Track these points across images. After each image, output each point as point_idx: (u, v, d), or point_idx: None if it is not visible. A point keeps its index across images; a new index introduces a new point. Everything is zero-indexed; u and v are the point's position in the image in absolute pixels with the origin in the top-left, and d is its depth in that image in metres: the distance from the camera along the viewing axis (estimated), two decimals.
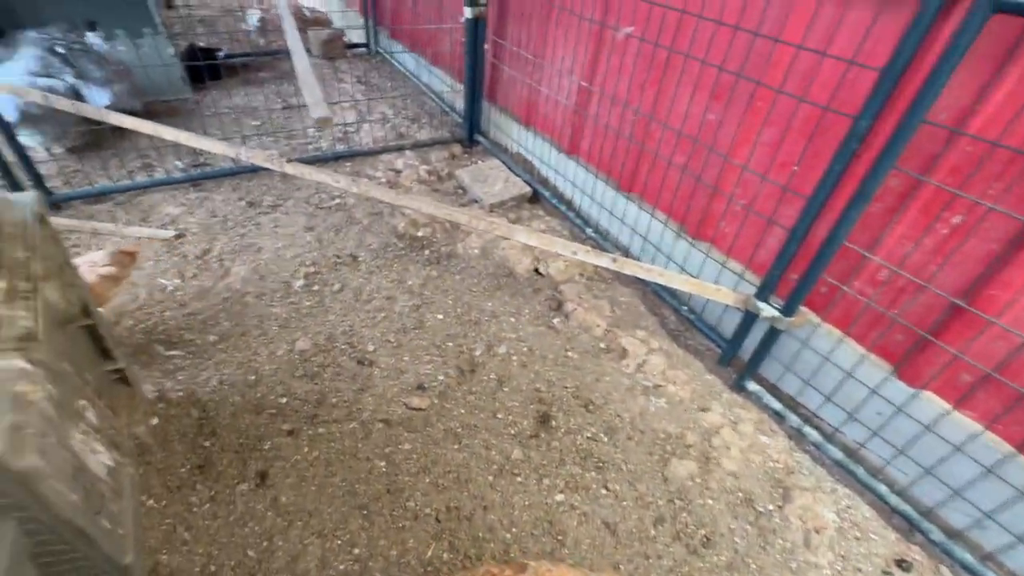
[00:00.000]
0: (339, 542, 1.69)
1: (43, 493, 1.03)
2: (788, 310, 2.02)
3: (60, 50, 3.36)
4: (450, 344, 2.44)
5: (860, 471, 1.98)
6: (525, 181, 3.49)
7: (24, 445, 0.96)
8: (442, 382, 2.26)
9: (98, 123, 2.80)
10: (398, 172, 3.62)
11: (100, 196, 3.04)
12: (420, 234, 3.11)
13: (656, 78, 2.49)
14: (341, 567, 1.63)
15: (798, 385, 2.22)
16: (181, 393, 2.07)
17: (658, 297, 2.81)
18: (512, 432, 2.11)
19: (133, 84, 3.67)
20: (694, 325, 2.58)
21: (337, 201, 3.28)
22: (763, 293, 2.11)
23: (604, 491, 1.96)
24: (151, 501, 1.72)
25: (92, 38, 3.65)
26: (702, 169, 2.35)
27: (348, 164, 3.69)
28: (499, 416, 2.15)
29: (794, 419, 2.18)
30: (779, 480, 2.06)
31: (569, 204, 3.34)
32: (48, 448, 1.06)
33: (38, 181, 2.86)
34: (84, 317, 1.45)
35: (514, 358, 2.42)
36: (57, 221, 2.79)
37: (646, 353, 2.50)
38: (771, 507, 1.97)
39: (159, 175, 3.26)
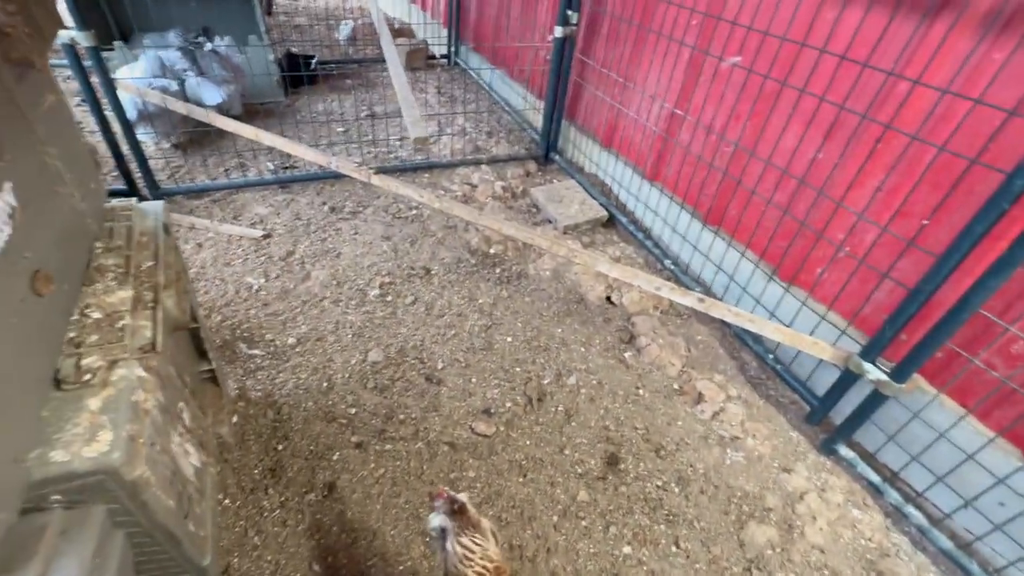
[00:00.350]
0: (401, 568, 1.66)
1: (146, 501, 1.05)
2: (899, 375, 1.82)
3: (187, 49, 3.63)
4: (518, 369, 2.40)
5: (974, 567, 1.75)
6: (601, 204, 3.41)
7: (137, 455, 0.99)
8: (509, 409, 2.21)
9: (204, 124, 2.98)
10: (474, 187, 3.63)
11: (200, 192, 3.23)
12: (492, 251, 3.10)
13: (761, 111, 2.35)
14: None
15: (900, 458, 2.00)
16: (259, 393, 2.13)
17: (739, 340, 2.64)
18: (579, 471, 2.02)
19: (242, 86, 3.90)
20: (780, 376, 2.40)
21: (414, 212, 3.33)
22: (869, 353, 1.92)
23: (675, 548, 1.83)
24: (227, 500, 1.77)
25: (216, 41, 3.92)
26: (807, 213, 2.19)
27: (426, 175, 3.74)
28: (566, 452, 2.08)
29: (894, 495, 1.96)
30: (872, 562, 1.86)
31: (647, 232, 3.22)
32: (154, 456, 1.09)
33: (148, 175, 3.07)
34: (192, 322, 1.51)
35: (583, 391, 2.34)
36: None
37: (724, 400, 2.35)
38: None
39: (252, 175, 3.43)
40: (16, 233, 0.86)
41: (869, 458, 2.14)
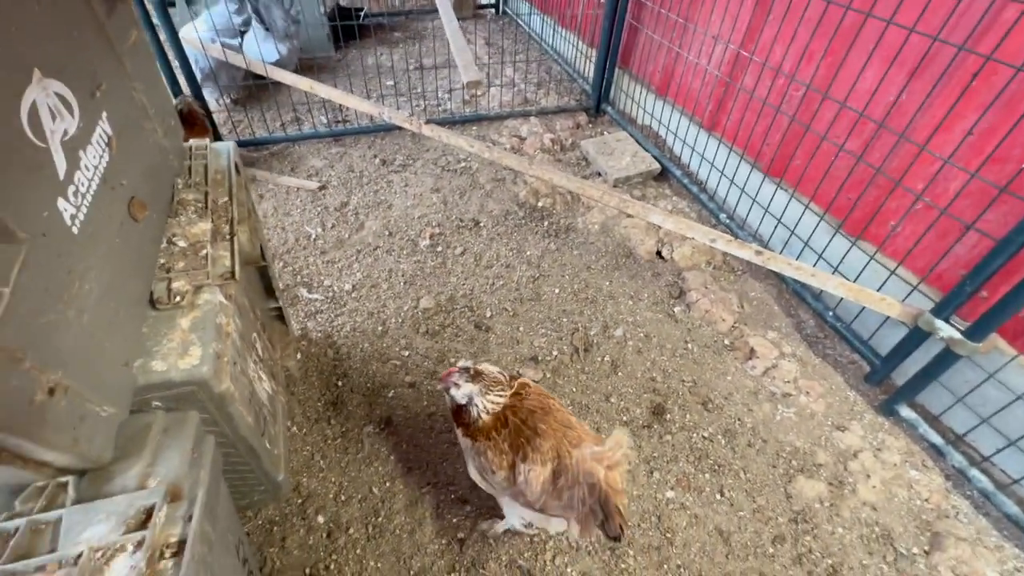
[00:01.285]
0: (453, 496, 1.77)
1: (232, 413, 1.16)
2: (976, 334, 1.71)
3: (251, 3, 3.70)
4: (565, 320, 2.41)
5: None
6: (654, 157, 3.29)
7: (223, 371, 1.08)
8: (556, 357, 2.25)
9: (261, 77, 3.05)
10: (522, 139, 3.58)
11: (259, 145, 3.35)
12: (540, 204, 3.08)
13: (837, 49, 2.16)
14: (454, 520, 1.71)
15: (966, 421, 1.91)
16: (320, 334, 2.26)
17: (797, 297, 2.54)
18: (624, 419, 2.05)
19: (298, 41, 3.95)
20: (840, 334, 2.30)
21: (463, 164, 3.33)
22: (943, 310, 1.81)
23: (719, 496, 1.85)
24: (294, 428, 1.92)
25: None
26: (884, 159, 2.03)
27: (474, 128, 3.71)
28: (611, 400, 2.10)
29: (958, 458, 1.88)
30: (928, 523, 1.81)
31: (701, 186, 3.10)
32: (236, 375, 1.19)
33: (212, 128, 3.21)
34: (261, 259, 1.60)
35: (630, 343, 2.34)
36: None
37: (777, 357, 2.29)
38: (915, 551, 1.74)
39: (307, 129, 3.51)
40: (113, 160, 0.93)
41: (932, 420, 2.05)
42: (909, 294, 2.02)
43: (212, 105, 3.64)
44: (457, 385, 1.35)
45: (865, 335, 2.23)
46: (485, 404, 1.33)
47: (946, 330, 1.79)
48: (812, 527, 1.78)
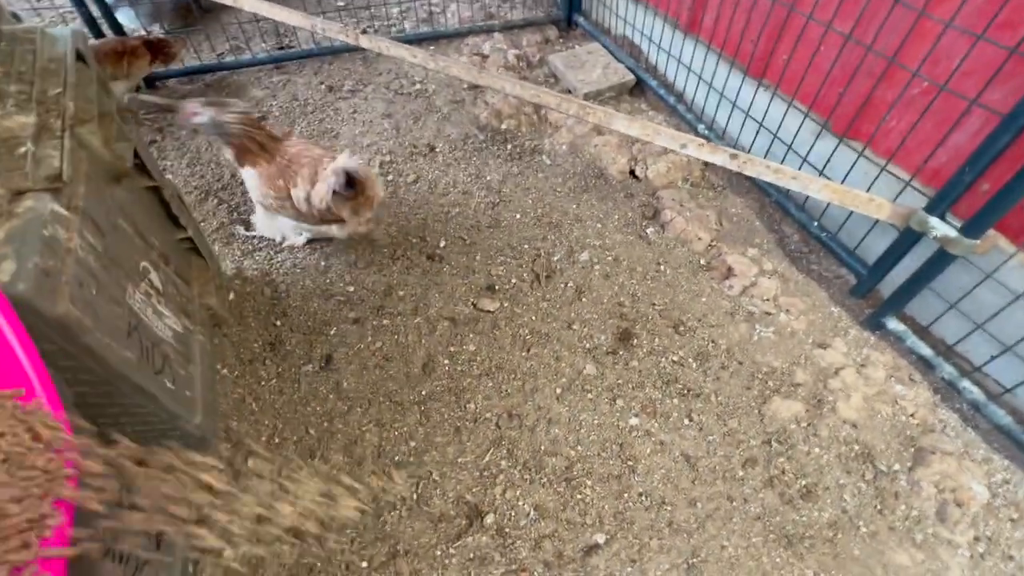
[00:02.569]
0: (396, 433, 1.63)
1: (88, 345, 0.98)
2: (973, 230, 1.51)
3: None
4: (526, 246, 2.21)
5: None
6: (628, 68, 2.98)
7: (57, 292, 0.89)
8: (514, 285, 2.07)
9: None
10: (484, 57, 3.24)
11: (192, 75, 3.04)
12: (503, 127, 2.80)
13: None
14: (396, 457, 1.58)
15: (958, 330, 1.74)
16: (256, 272, 2.07)
17: (781, 210, 2.32)
18: (587, 346, 1.89)
19: None
20: (825, 245, 2.10)
21: (417, 87, 3.03)
22: (938, 206, 1.60)
23: (687, 421, 1.72)
24: (225, 371, 1.76)
25: None
26: (874, 36, 1.76)
27: (431, 47, 3.36)
28: (574, 328, 1.94)
29: (948, 370, 1.73)
30: (912, 438, 1.68)
31: (679, 97, 2.81)
32: (90, 300, 1.01)
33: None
34: (144, 177, 1.38)
35: (596, 267, 2.15)
36: (150, 99, 2.84)
37: (756, 275, 2.11)
38: (897, 467, 1.62)
39: (245, 57, 3.18)
40: None
41: (921, 332, 1.89)
42: (900, 193, 1.80)
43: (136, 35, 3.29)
44: (196, 113, 1.69)
45: (851, 245, 2.03)
46: (227, 119, 1.70)
47: (940, 228, 1.58)
48: (787, 448, 1.66)
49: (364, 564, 1.39)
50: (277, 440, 1.60)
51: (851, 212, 1.95)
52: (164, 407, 1.27)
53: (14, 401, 0.65)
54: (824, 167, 2.05)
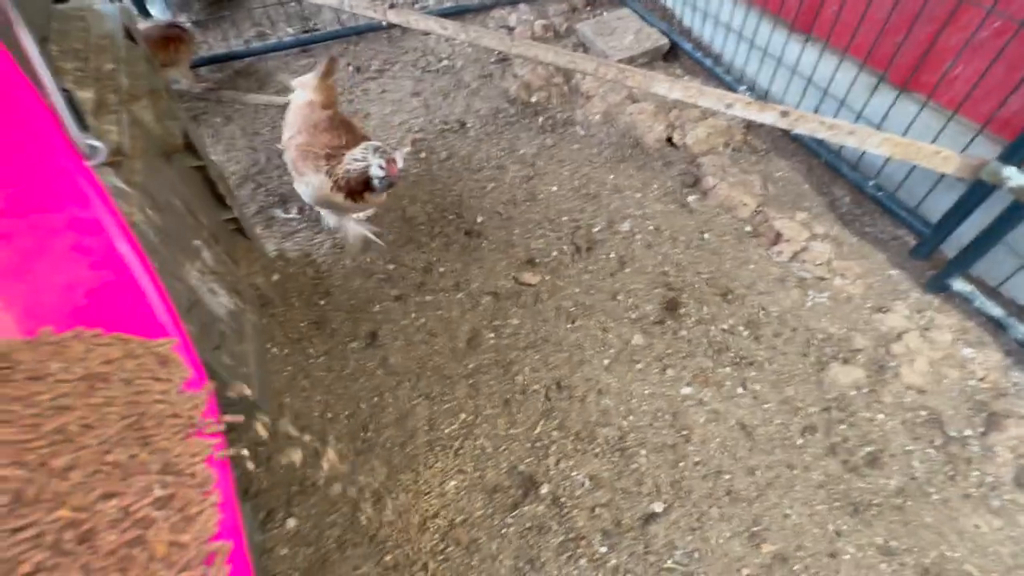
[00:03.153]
0: (446, 406, 1.63)
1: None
2: None
3: None
4: (565, 219, 2.17)
5: None
6: (661, 31, 2.87)
7: None
8: (555, 258, 2.03)
9: None
10: (511, 29, 3.17)
11: (222, 63, 3.05)
12: (534, 99, 2.74)
13: None
14: (447, 430, 1.58)
15: None
16: (298, 253, 2.08)
17: (831, 171, 2.22)
18: (633, 316, 1.85)
19: None
20: (882, 206, 2.00)
21: (444, 63, 2.98)
22: (1013, 155, 1.49)
23: (741, 390, 1.67)
24: (275, 349, 1.78)
25: None
26: None
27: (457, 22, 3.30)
28: (619, 298, 1.90)
29: (1021, 331, 1.64)
30: (983, 403, 1.60)
31: (717, 59, 2.69)
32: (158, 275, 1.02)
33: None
34: (192, 156, 1.39)
35: (638, 237, 2.09)
36: (187, 88, 2.86)
37: (807, 239, 2.02)
38: (968, 433, 1.54)
39: (271, 41, 3.18)
40: None
41: (990, 293, 1.78)
42: (968, 145, 1.69)
43: None
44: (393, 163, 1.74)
45: (912, 204, 1.92)
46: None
47: (1017, 178, 1.48)
48: (848, 415, 1.59)
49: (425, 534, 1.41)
50: (329, 415, 1.62)
51: (912, 169, 1.85)
52: (223, 379, 1.29)
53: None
54: (881, 123, 1.93)
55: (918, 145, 1.65)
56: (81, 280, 0.73)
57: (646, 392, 1.66)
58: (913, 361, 1.68)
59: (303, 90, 2.06)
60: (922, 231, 1.85)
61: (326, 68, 2.00)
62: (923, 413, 1.59)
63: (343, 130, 1.89)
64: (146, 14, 2.90)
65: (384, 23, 2.55)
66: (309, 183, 1.84)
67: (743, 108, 1.83)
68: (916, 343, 1.72)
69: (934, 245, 1.84)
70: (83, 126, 0.71)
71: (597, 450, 1.54)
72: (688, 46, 2.76)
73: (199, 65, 3.02)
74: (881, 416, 1.59)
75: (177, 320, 0.80)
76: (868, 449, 1.53)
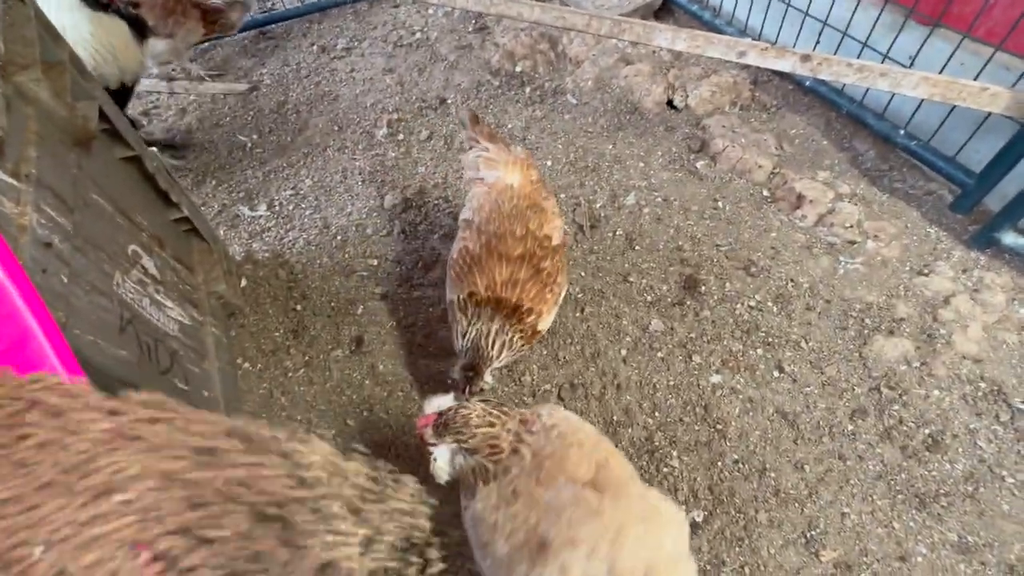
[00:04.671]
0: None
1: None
2: None
3: None
4: (563, 196, 1.96)
5: None
6: None
7: None
8: None
9: None
10: None
11: None
12: (518, 69, 2.50)
13: None
14: None
15: None
16: (268, 254, 1.86)
17: (853, 123, 2.02)
18: (648, 299, 1.65)
19: None
20: (915, 157, 1.80)
21: (417, 36, 2.73)
22: None
23: (777, 373, 1.48)
24: (246, 364, 1.57)
25: None
26: None
27: None
28: (631, 280, 1.70)
29: None
30: None
31: (715, 11, 2.47)
32: (61, 291, 0.80)
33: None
34: (119, 145, 1.16)
35: (646, 211, 1.89)
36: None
37: (832, 200, 1.82)
38: None
39: None
40: None
41: None
42: (1016, 82, 1.49)
43: None
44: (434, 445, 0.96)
45: (949, 152, 1.73)
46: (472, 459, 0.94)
47: None
48: (900, 394, 1.41)
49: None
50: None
51: (948, 113, 1.65)
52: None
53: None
54: (910, 65, 1.73)
55: (961, 83, 1.45)
56: None
57: (671, 383, 1.47)
58: (966, 327, 1.50)
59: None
60: (964, 181, 1.66)
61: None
62: (983, 385, 1.42)
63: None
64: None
65: None
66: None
67: (758, 55, 1.61)
68: (967, 307, 1.54)
69: (977, 197, 1.66)
70: None
71: (622, 454, 1.34)
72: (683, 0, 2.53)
73: None
74: (937, 392, 1.41)
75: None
76: (927, 431, 1.35)
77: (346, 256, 1.85)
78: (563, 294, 1.36)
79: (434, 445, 0.96)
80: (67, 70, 0.97)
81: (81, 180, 0.98)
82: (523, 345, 1.23)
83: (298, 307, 1.72)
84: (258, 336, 1.65)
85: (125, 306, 1.00)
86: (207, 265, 1.50)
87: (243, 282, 1.76)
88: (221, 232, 1.93)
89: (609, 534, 0.79)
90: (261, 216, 2.01)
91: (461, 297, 1.23)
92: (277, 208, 2.04)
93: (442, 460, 0.96)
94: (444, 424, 0.94)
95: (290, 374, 1.55)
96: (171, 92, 2.58)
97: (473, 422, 0.92)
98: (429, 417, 0.96)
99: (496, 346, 1.18)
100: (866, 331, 1.54)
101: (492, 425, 0.92)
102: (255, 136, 2.32)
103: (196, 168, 2.20)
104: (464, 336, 1.21)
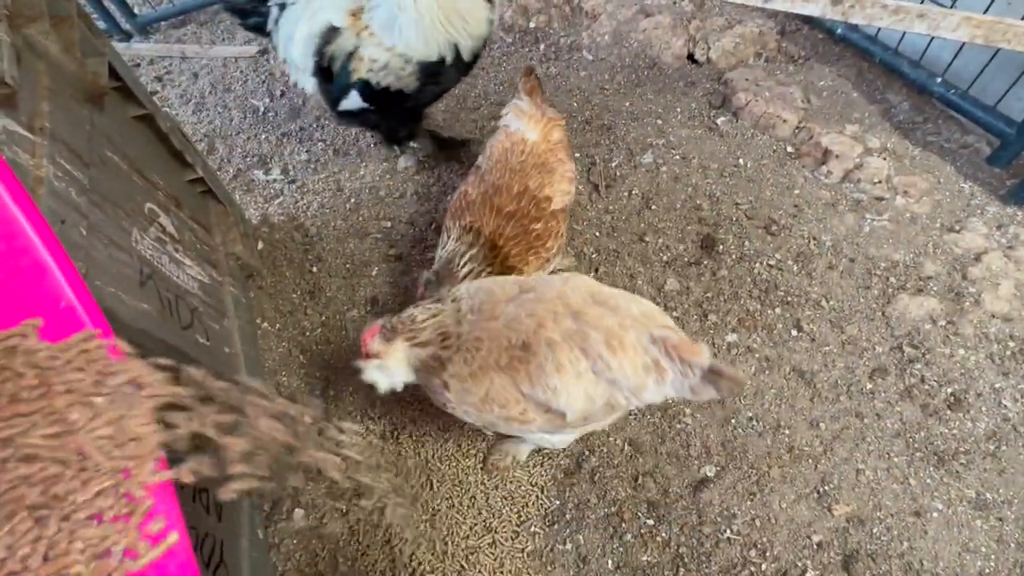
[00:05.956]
0: None
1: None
2: None
3: None
4: (578, 155, 1.91)
5: None
6: None
7: None
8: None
9: None
10: None
11: (183, 16, 2.75)
12: (532, 25, 2.42)
13: None
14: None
15: None
16: (283, 217, 1.87)
17: (886, 73, 1.91)
18: (664, 259, 1.63)
19: None
20: (954, 107, 1.71)
21: None
22: None
23: (795, 332, 1.46)
24: (265, 324, 1.61)
25: None
26: None
27: None
28: (646, 240, 1.67)
29: None
30: None
31: None
32: (79, 241, 0.82)
33: (122, 2, 2.62)
34: (131, 104, 1.16)
35: (663, 169, 1.84)
36: (147, 48, 2.59)
37: (860, 155, 1.75)
38: None
39: None
40: None
41: None
42: None
43: None
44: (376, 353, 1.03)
45: (989, 102, 1.63)
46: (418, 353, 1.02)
47: None
48: (923, 353, 1.38)
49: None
50: (332, 392, 1.46)
51: (989, 60, 1.55)
52: (203, 364, 1.12)
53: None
54: (952, 4, 1.62)
55: (1007, 23, 1.36)
56: None
57: None
58: (997, 286, 1.45)
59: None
60: (1004, 132, 1.57)
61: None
62: (1011, 344, 1.37)
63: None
64: None
65: None
66: None
67: (784, 0, 1.52)
68: (999, 264, 1.48)
69: (1018, 148, 1.57)
70: None
71: (635, 412, 1.35)
72: None
73: (156, 20, 2.72)
74: (962, 351, 1.38)
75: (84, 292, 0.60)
76: (949, 390, 1.32)
77: (360, 218, 1.85)
78: (555, 259, 1.35)
79: (378, 356, 1.01)
80: (76, 25, 0.96)
81: (95, 137, 0.99)
82: None
83: (314, 269, 1.74)
84: (276, 297, 1.67)
85: (144, 262, 1.02)
86: (224, 227, 1.52)
87: (260, 245, 1.78)
88: (237, 197, 1.95)
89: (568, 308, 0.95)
90: (276, 180, 2.02)
91: (456, 222, 1.31)
92: (291, 172, 2.04)
93: (385, 371, 1.03)
94: (392, 329, 1.00)
95: (308, 333, 1.58)
96: (183, 56, 2.57)
97: (419, 318, 1.00)
98: (373, 329, 1.02)
99: (465, 269, 1.24)
100: (890, 290, 1.49)
101: (435, 315, 1.00)
102: (267, 100, 2.30)
103: (209, 132, 2.20)
104: (443, 248, 1.30)
